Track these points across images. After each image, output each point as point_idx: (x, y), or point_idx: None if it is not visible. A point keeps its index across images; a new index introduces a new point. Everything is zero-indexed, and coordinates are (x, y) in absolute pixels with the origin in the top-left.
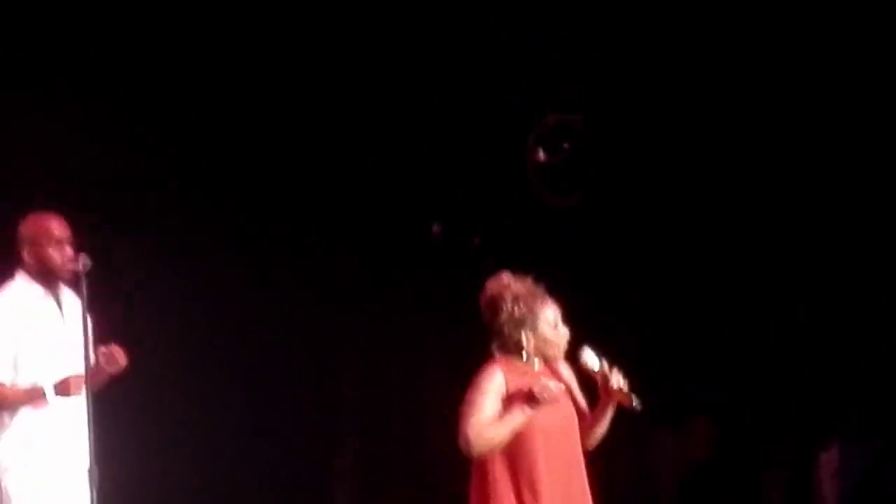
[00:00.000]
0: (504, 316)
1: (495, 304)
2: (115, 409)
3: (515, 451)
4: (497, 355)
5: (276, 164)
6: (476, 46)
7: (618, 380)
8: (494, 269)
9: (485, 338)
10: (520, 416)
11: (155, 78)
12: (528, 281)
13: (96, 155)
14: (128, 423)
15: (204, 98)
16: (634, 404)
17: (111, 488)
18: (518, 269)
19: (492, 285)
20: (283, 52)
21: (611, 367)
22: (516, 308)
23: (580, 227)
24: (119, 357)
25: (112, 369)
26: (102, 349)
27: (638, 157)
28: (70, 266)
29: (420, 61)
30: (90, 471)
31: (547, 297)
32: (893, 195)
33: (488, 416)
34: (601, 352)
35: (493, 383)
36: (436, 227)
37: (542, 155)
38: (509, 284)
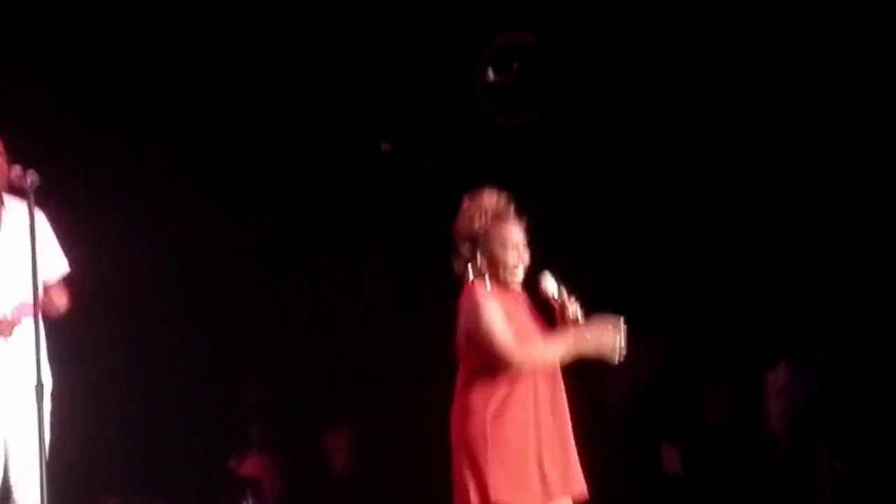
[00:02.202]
0: (462, 231)
1: (458, 218)
2: (62, 328)
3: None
4: (471, 279)
5: (225, 86)
6: None
7: (574, 310)
8: (445, 188)
9: (430, 258)
10: (572, 342)
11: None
12: (501, 199)
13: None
14: (73, 342)
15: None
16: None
17: (57, 405)
18: (469, 190)
19: (465, 200)
20: None
21: (569, 296)
22: (474, 224)
23: (533, 147)
24: (59, 301)
25: (51, 311)
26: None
27: (592, 76)
28: (13, 180)
29: None
30: (37, 387)
31: (513, 217)
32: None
33: (511, 331)
34: (556, 275)
35: (495, 305)
36: (385, 145)
37: (491, 75)
38: (477, 200)
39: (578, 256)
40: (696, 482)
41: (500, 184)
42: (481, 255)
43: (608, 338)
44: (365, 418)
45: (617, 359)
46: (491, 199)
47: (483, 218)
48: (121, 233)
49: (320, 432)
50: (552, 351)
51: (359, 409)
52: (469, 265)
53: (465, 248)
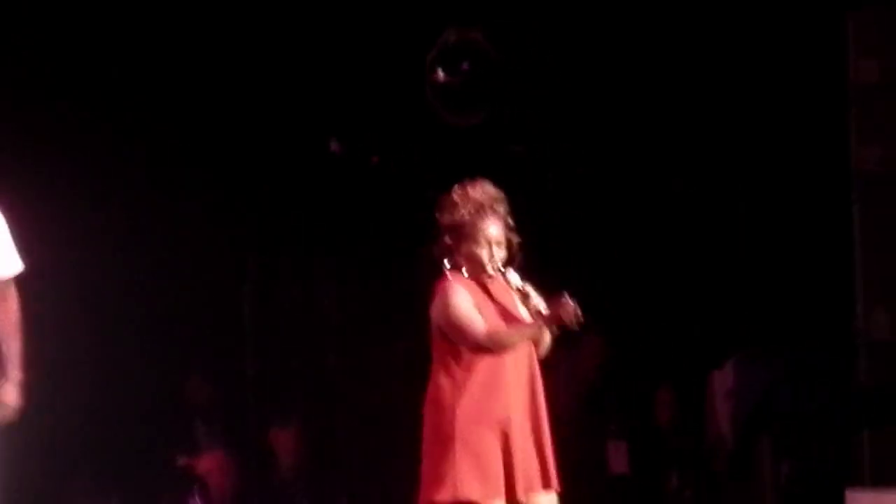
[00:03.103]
0: (443, 220)
1: (443, 205)
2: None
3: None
4: (449, 273)
5: (179, 84)
6: None
7: (537, 302)
8: (394, 188)
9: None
10: (533, 329)
11: None
12: (488, 193)
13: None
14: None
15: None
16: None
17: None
18: (415, 189)
19: (455, 189)
20: None
21: (532, 287)
22: (454, 214)
23: (484, 147)
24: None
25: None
26: None
27: (541, 75)
28: None
29: None
30: None
31: (495, 213)
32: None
33: (480, 321)
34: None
35: (464, 295)
36: (334, 145)
37: (441, 75)
38: (464, 191)
39: (526, 256)
40: (643, 482)
41: (448, 184)
42: (457, 246)
43: (563, 310)
44: (311, 416)
45: (576, 325)
46: (477, 191)
47: (464, 209)
48: (72, 231)
49: (267, 430)
50: (517, 333)
51: (306, 408)
52: (445, 255)
53: (444, 237)
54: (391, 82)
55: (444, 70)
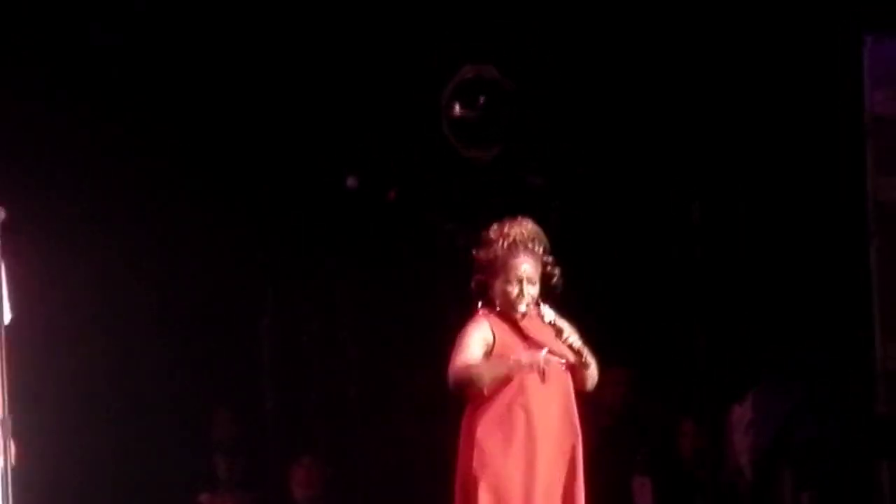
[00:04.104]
0: (478, 256)
1: (480, 242)
2: (28, 358)
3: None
4: (481, 309)
5: (192, 121)
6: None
7: (571, 338)
8: (412, 223)
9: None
10: (505, 366)
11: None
12: (525, 229)
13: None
14: (41, 377)
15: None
16: (584, 360)
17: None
18: (432, 223)
19: (493, 225)
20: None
21: (567, 323)
22: (489, 251)
23: (499, 181)
24: None
25: None
26: None
27: (555, 106)
28: None
29: (334, 13)
30: (3, 420)
31: (528, 250)
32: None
33: (475, 356)
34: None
35: (480, 330)
36: (351, 181)
37: (458, 109)
38: (500, 227)
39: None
40: None
41: (467, 217)
42: (490, 282)
43: (527, 357)
44: (332, 450)
45: (537, 373)
46: (513, 228)
47: (497, 246)
48: (93, 268)
49: (288, 465)
50: (490, 369)
51: (326, 442)
52: (480, 291)
53: (478, 273)
54: (408, 118)
55: (460, 104)
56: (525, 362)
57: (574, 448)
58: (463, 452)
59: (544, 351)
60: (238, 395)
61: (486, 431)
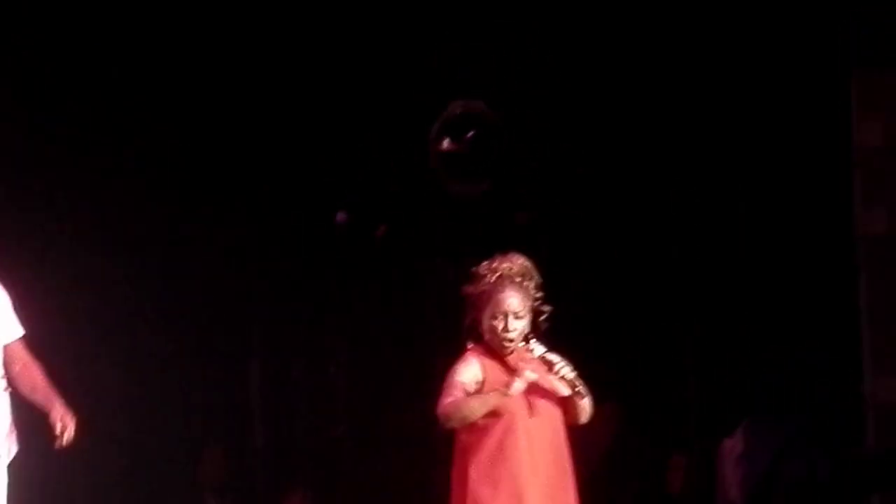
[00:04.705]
0: (468, 291)
1: (470, 277)
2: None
3: (496, 456)
4: (470, 347)
5: (182, 154)
6: (377, 34)
7: (562, 370)
8: (401, 258)
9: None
10: (496, 396)
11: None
12: (515, 265)
13: None
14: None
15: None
16: (578, 391)
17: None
18: (423, 259)
19: (485, 261)
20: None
21: (560, 358)
22: (477, 286)
23: (488, 215)
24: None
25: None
26: None
27: (544, 142)
28: None
29: (322, 49)
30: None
31: (515, 284)
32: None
33: (465, 393)
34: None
35: (469, 368)
36: (341, 216)
37: (446, 144)
38: (492, 262)
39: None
40: None
41: (456, 253)
42: (479, 317)
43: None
44: (320, 489)
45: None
46: (503, 263)
47: (485, 280)
48: (71, 307)
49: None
50: (483, 402)
51: (315, 480)
52: (471, 326)
53: (470, 310)
54: (396, 153)
55: (448, 139)
56: (514, 388)
57: (566, 484)
58: (456, 496)
59: (527, 371)
60: (228, 433)
61: (479, 475)
